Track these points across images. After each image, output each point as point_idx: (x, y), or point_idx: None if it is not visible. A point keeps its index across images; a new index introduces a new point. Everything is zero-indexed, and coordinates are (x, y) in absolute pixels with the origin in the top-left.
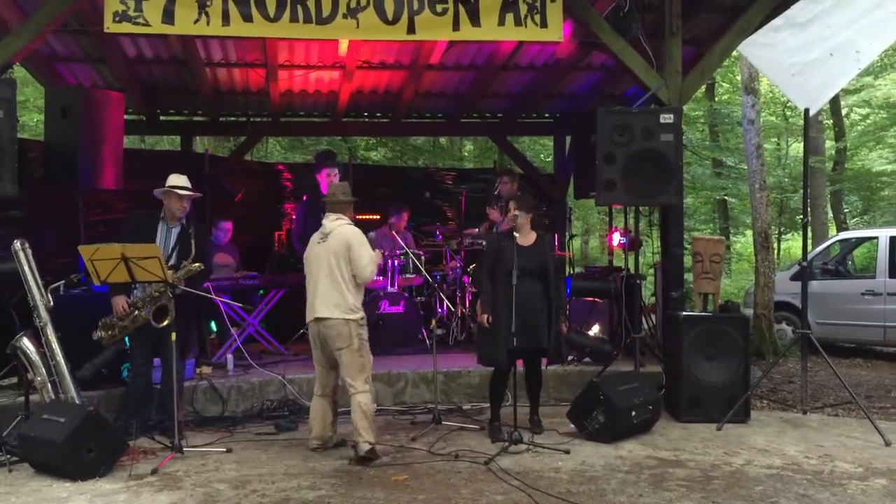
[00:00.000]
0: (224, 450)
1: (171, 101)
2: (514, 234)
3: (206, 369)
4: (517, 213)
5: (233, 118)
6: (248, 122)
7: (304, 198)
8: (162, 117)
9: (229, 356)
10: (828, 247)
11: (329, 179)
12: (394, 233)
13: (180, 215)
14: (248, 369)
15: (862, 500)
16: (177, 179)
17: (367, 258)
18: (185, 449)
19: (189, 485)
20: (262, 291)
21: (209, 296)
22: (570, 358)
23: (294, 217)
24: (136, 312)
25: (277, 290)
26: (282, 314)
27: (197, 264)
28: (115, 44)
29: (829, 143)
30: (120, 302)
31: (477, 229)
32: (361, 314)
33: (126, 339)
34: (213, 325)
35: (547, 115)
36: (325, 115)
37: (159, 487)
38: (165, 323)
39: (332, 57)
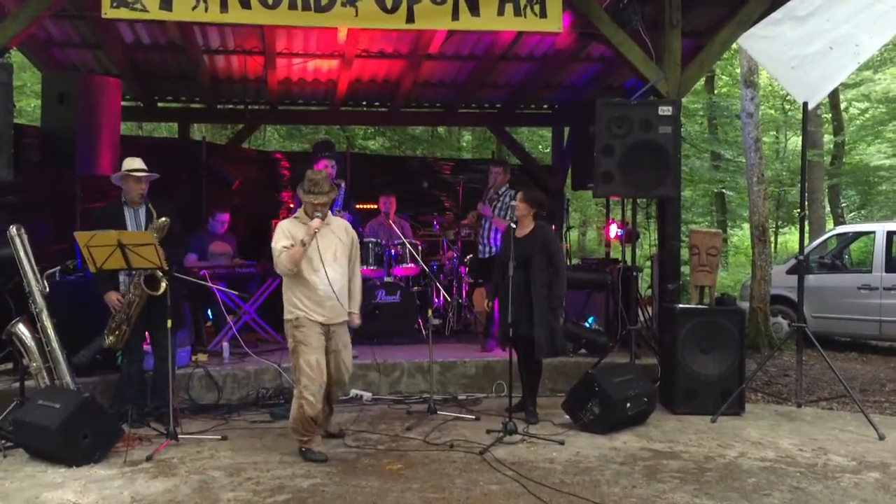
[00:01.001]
0: (219, 437)
1: (168, 88)
2: (513, 225)
3: (202, 357)
4: (515, 202)
5: (230, 106)
6: (245, 110)
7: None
8: (159, 104)
9: (225, 344)
10: (825, 241)
11: (327, 171)
12: (390, 222)
13: (139, 200)
14: (243, 357)
15: (855, 493)
16: (132, 163)
17: (273, 250)
18: (180, 436)
19: (184, 471)
20: (258, 280)
21: (205, 283)
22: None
23: (293, 206)
24: (130, 296)
25: (274, 278)
26: (279, 303)
27: (163, 219)
28: (113, 29)
29: (827, 138)
30: (113, 297)
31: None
32: (295, 315)
33: None
34: (210, 313)
35: (546, 106)
36: (323, 104)
37: (154, 474)
38: (163, 289)
39: (330, 45)
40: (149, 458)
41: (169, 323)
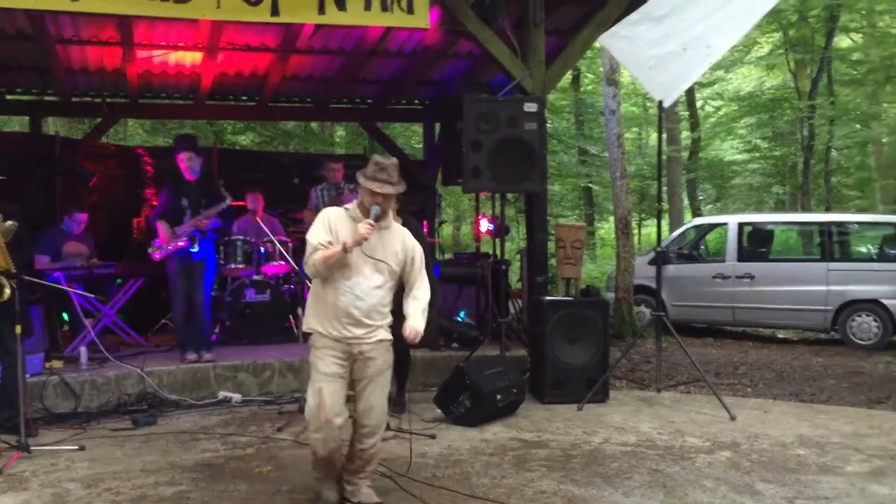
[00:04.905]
0: (76, 447)
1: (18, 80)
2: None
3: (57, 363)
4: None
5: (88, 98)
6: (103, 103)
7: (167, 180)
8: (8, 96)
9: (83, 349)
10: (683, 232)
11: (187, 164)
12: (258, 219)
13: None
14: (103, 362)
15: (708, 472)
16: None
17: (308, 243)
18: (32, 448)
19: (36, 485)
20: (119, 281)
21: (58, 286)
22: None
23: (155, 204)
24: None
25: (136, 279)
26: (143, 304)
27: (10, 222)
28: None
29: (685, 134)
30: None
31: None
32: (310, 326)
33: None
34: (66, 316)
35: (417, 101)
36: (187, 98)
37: (3, 489)
38: (7, 295)
39: (193, 37)
40: None
41: (18, 329)
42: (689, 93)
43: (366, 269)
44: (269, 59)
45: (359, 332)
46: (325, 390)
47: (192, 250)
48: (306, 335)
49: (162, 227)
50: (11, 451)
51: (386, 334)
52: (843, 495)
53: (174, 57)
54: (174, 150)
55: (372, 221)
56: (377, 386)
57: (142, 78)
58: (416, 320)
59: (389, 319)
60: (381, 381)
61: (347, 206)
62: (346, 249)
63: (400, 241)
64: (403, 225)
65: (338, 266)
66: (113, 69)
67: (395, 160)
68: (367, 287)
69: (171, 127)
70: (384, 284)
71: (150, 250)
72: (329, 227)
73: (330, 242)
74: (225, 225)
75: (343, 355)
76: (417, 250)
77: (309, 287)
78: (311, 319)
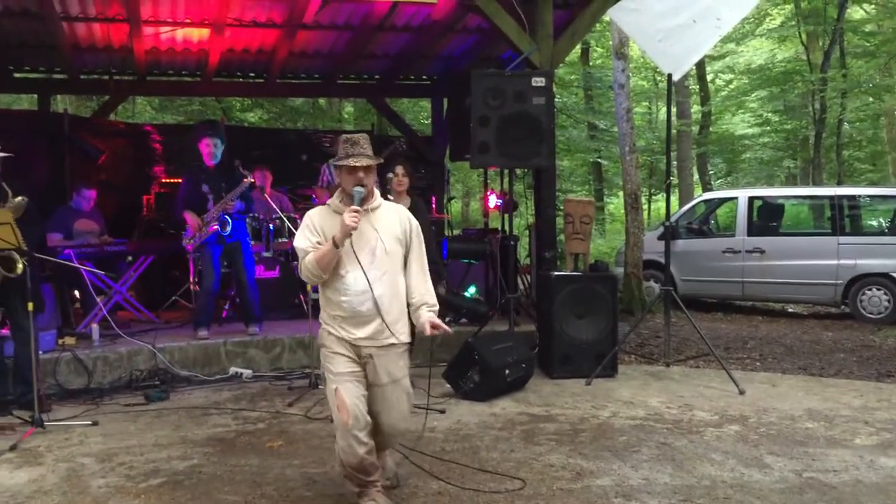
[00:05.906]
0: (89, 422)
1: (25, 58)
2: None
3: (70, 340)
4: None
5: (95, 76)
6: (111, 81)
7: (185, 168)
8: (16, 74)
9: (94, 326)
10: (692, 207)
11: (210, 150)
12: (266, 196)
13: None
14: (115, 339)
15: (717, 445)
16: None
17: (297, 250)
18: (46, 423)
19: (51, 460)
20: (130, 258)
21: (69, 263)
22: (447, 319)
23: (164, 181)
24: None
25: (146, 256)
26: (153, 281)
27: (20, 198)
28: None
29: (695, 108)
30: None
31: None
32: (321, 328)
33: None
34: (77, 294)
35: (425, 77)
36: (194, 75)
37: (18, 464)
38: (20, 269)
39: (200, 13)
40: (13, 448)
41: (30, 306)
42: (700, 66)
43: (364, 259)
44: (276, 34)
45: (370, 330)
46: (341, 390)
47: (223, 233)
48: (316, 311)
49: (190, 218)
50: (26, 426)
51: (399, 339)
52: (851, 468)
53: (181, 33)
54: (197, 136)
55: (357, 207)
56: (392, 396)
57: (149, 55)
58: (429, 315)
59: (406, 316)
60: (396, 391)
61: (328, 202)
62: (336, 245)
63: (396, 219)
64: (412, 206)
65: (333, 264)
66: (120, 46)
67: (364, 133)
68: (371, 279)
69: (180, 104)
70: (389, 270)
71: (183, 243)
72: (314, 227)
73: (319, 243)
74: (248, 205)
75: (353, 356)
76: (415, 227)
77: None
78: (324, 313)
